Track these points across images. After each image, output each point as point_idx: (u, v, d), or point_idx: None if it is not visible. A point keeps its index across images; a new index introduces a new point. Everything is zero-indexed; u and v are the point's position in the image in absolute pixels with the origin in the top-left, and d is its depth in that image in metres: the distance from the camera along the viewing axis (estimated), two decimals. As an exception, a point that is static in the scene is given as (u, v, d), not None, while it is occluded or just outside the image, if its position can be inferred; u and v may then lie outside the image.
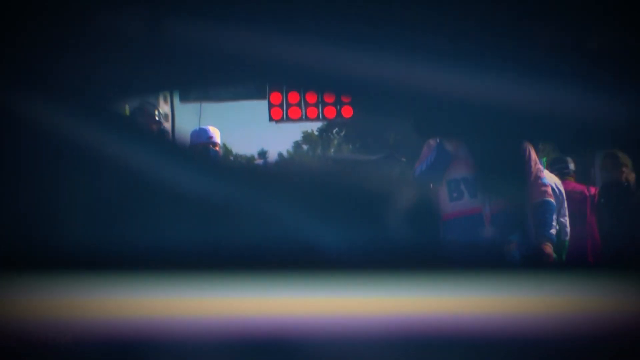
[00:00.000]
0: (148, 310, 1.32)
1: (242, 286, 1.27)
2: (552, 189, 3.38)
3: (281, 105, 2.70)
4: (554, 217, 2.90)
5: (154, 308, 1.31)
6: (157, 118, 2.73)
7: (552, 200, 2.75)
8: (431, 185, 2.53)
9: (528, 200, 2.60)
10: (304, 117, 2.81)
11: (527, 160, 2.71)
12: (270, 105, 2.69)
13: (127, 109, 2.80)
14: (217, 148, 3.11)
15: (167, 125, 2.93)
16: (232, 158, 2.62)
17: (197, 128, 3.46)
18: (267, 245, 1.56)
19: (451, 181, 2.66)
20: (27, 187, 1.65)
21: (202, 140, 3.33)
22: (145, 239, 1.58)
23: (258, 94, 2.81)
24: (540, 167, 2.90)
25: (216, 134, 3.29)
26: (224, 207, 1.67)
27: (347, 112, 2.73)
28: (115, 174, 1.68)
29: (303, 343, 1.14)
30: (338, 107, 2.73)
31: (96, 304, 1.35)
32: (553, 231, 2.95)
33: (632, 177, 2.65)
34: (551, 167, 3.80)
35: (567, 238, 3.23)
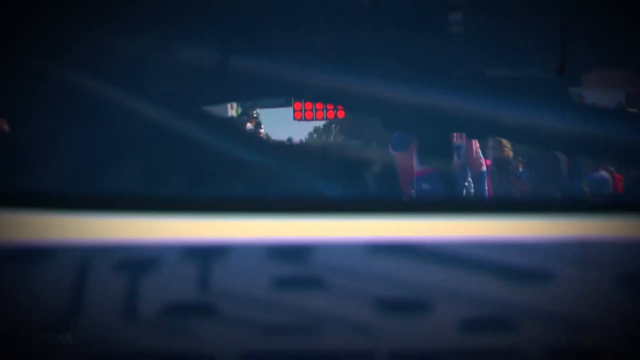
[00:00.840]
0: (202, 229, 1.37)
1: (273, 216, 1.41)
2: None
3: (300, 110, 3.03)
4: (487, 182, 2.95)
5: (203, 229, 1.37)
6: (255, 116, 3.15)
7: (485, 170, 2.88)
8: (404, 152, 2.58)
9: (471, 168, 2.80)
10: (314, 117, 3.15)
11: (469, 143, 2.83)
12: (294, 110, 3.02)
13: (239, 110, 2.98)
14: (262, 135, 3.50)
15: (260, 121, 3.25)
16: (271, 142, 2.82)
17: (249, 123, 3.89)
18: (290, 192, 1.86)
19: None
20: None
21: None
22: (211, 188, 1.81)
23: (287, 104, 3.15)
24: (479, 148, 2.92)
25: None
26: (267, 169, 1.98)
27: (341, 114, 3.08)
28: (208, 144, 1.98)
29: (312, 247, 1.32)
30: (335, 111, 3.08)
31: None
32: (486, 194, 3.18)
33: (510, 154, 3.05)
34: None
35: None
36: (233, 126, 2.45)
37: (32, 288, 1.27)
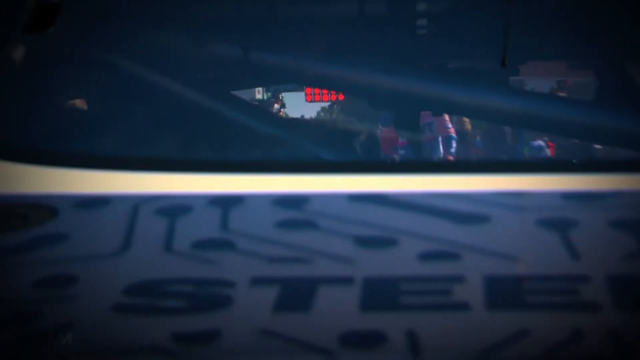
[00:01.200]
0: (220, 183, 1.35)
1: (284, 171, 1.38)
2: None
3: (310, 94, 3.03)
4: (454, 145, 2.76)
5: (216, 183, 1.35)
6: (280, 98, 3.12)
7: (454, 134, 2.71)
8: (389, 127, 2.49)
9: (441, 134, 2.66)
10: (321, 100, 3.16)
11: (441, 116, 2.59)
12: (305, 94, 3.02)
13: (268, 94, 2.96)
14: (281, 114, 3.49)
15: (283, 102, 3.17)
16: (284, 117, 2.78)
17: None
18: (299, 156, 1.82)
19: None
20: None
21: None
22: (235, 153, 1.78)
23: (301, 89, 3.17)
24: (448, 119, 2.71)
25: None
26: (284, 139, 1.98)
27: (341, 97, 3.10)
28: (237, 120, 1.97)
29: (310, 196, 1.29)
30: (337, 94, 3.09)
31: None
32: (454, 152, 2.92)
33: (469, 127, 3.05)
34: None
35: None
36: (255, 107, 2.40)
37: (96, 227, 1.27)
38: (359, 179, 1.34)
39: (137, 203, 1.27)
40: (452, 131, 2.53)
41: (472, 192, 1.26)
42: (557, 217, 1.20)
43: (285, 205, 1.28)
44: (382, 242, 1.16)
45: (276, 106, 3.02)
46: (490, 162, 1.57)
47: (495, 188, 1.27)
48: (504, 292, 1.01)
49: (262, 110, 2.44)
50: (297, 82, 2.50)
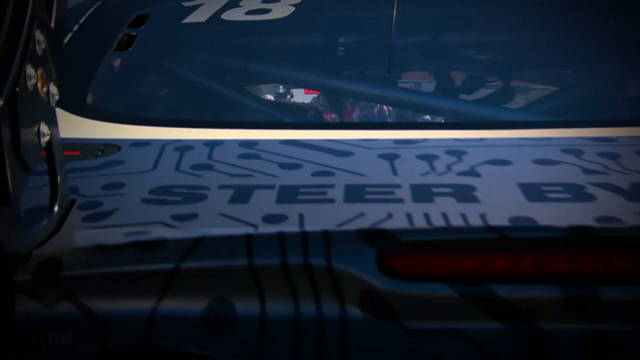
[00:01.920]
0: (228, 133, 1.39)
1: (248, 128, 1.38)
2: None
3: (308, 89, 3.03)
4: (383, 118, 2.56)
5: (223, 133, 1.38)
6: (291, 91, 3.07)
7: (387, 113, 2.48)
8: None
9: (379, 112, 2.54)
10: (313, 92, 3.14)
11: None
12: (304, 89, 3.03)
13: (285, 89, 2.83)
14: (291, 100, 3.40)
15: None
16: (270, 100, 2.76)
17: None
18: (264, 120, 1.74)
19: None
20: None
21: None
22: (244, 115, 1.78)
23: (302, 86, 3.18)
24: None
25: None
26: (265, 112, 1.91)
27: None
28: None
29: (258, 140, 1.29)
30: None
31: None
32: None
33: (390, 108, 2.79)
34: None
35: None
36: (249, 93, 2.27)
37: (140, 156, 1.30)
38: (288, 131, 1.40)
39: (164, 144, 1.29)
40: (386, 111, 2.46)
41: (345, 139, 1.30)
42: (389, 153, 1.23)
43: (244, 145, 1.30)
44: (293, 166, 1.18)
45: (288, 96, 3.07)
46: (364, 123, 1.64)
47: (358, 138, 1.30)
48: (355, 193, 1.01)
49: (252, 95, 2.32)
50: (282, 83, 2.49)
